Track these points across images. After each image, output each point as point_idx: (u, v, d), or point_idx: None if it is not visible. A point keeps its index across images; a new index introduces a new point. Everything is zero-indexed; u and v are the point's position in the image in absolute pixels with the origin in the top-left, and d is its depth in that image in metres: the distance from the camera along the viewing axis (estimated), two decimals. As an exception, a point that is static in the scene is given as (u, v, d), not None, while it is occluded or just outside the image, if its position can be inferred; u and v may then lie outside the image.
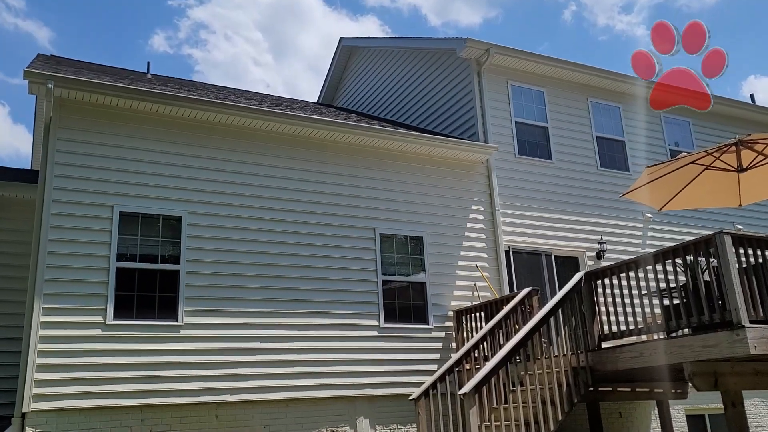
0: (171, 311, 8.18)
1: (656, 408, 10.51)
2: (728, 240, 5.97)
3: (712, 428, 11.54)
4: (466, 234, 10.43)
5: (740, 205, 8.67)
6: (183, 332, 8.17)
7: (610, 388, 8.86)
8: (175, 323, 8.15)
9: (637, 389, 9.38)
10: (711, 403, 11.25)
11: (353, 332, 9.16)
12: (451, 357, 9.46)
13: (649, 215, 12.25)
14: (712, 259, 6.16)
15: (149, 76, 12.11)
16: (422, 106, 13.15)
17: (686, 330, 6.64)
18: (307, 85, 50.25)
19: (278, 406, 8.51)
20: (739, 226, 12.94)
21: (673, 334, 6.81)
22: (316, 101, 17.51)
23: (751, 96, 15.84)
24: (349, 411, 8.90)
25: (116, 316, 7.85)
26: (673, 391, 9.52)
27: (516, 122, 11.68)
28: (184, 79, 13.43)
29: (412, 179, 10.33)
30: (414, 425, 9.10)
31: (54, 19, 39.21)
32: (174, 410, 7.91)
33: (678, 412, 10.96)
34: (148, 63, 12.31)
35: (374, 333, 9.29)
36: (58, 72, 8.35)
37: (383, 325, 9.37)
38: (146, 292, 8.13)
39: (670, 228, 12.43)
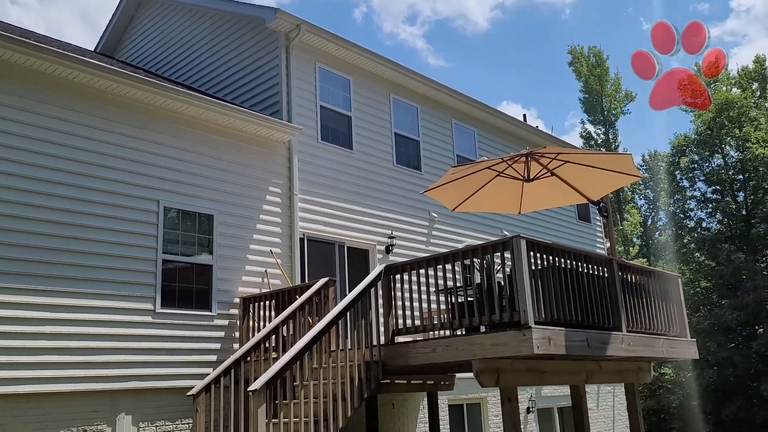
0: None
1: (425, 399, 11.04)
2: (524, 244, 6.29)
3: (468, 415, 12.52)
4: (261, 217, 9.80)
5: (519, 212, 9.40)
6: None
7: (388, 381, 8.98)
8: None
9: (412, 381, 9.70)
10: (470, 393, 12.18)
11: (122, 316, 7.98)
12: (233, 347, 8.80)
13: (435, 215, 12.84)
14: (507, 262, 6.44)
15: None
16: (221, 74, 12.14)
17: (462, 330, 6.87)
18: (78, 37, 44.47)
19: (18, 401, 7.04)
20: (506, 232, 14.24)
21: (458, 332, 7.04)
22: (93, 50, 15.26)
23: (524, 116, 17.63)
24: (109, 406, 7.72)
25: None
26: (442, 383, 10.04)
27: (321, 106, 11.34)
28: None
29: (207, 151, 9.38)
30: (186, 421, 8.24)
31: None
32: None
33: (443, 402, 11.63)
34: None
35: (148, 318, 8.21)
36: None
37: (159, 309, 8.32)
38: None
39: (449, 228, 13.18)
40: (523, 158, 8.15)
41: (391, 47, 56.53)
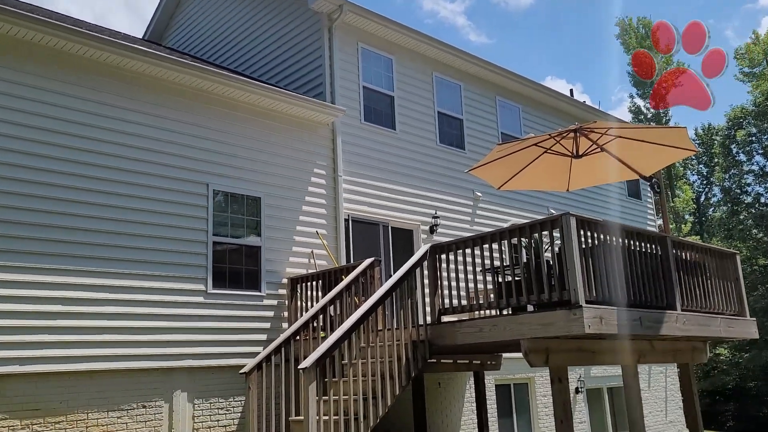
0: (-57, 265, 6.61)
1: (471, 378, 11.04)
2: (573, 222, 6.17)
3: (516, 395, 12.47)
4: (307, 198, 9.89)
5: (568, 190, 9.22)
6: (-42, 291, 6.66)
7: (435, 360, 9.02)
8: (-53, 280, 6.60)
9: (458, 361, 9.70)
10: (517, 373, 12.11)
11: (176, 297, 8.22)
12: (282, 327, 8.97)
13: (479, 194, 12.70)
14: (555, 240, 6.34)
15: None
16: (265, 58, 12.22)
17: (509, 310, 6.82)
18: (124, 26, 45.46)
19: (80, 378, 7.36)
20: (552, 210, 14.00)
21: (505, 311, 6.98)
22: (141, 38, 15.57)
23: (571, 91, 17.19)
24: (165, 384, 8.00)
25: None
26: (488, 362, 10.01)
27: (364, 87, 11.31)
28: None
29: (254, 135, 9.50)
30: (237, 398, 8.47)
31: None
32: (-60, 386, 6.44)
33: (489, 382, 11.60)
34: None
35: (200, 299, 8.43)
36: None
37: (211, 290, 8.53)
38: None
39: (494, 207, 13.03)
40: (572, 134, 7.97)
41: (431, 25, 55.90)
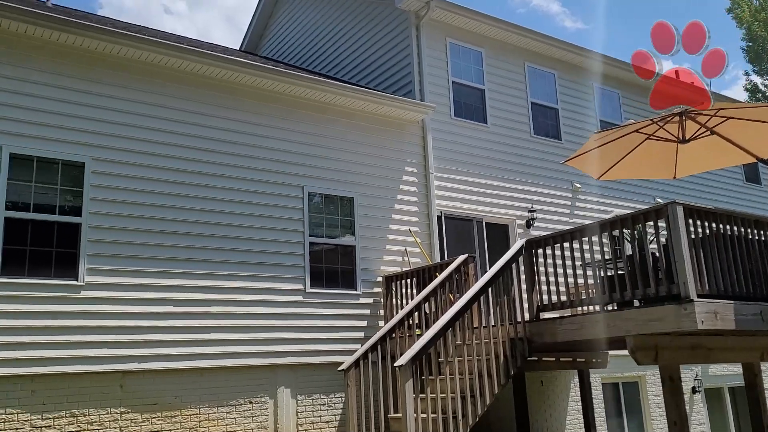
0: (70, 269, 7.21)
1: (576, 377, 10.63)
2: (680, 211, 5.78)
3: (625, 394, 11.88)
4: (399, 197, 9.92)
5: (674, 177, 8.64)
6: (84, 293, 7.23)
7: (536, 358, 8.76)
8: (74, 283, 7.19)
9: (561, 359, 9.37)
10: (625, 371, 11.53)
11: (277, 297, 8.50)
12: (378, 324, 9.05)
13: (578, 185, 12.22)
14: (662, 231, 5.96)
15: (50, 4, 10.60)
16: (354, 60, 12.40)
17: (614, 305, 6.48)
18: (224, 38, 47.81)
19: (192, 375, 7.78)
20: (659, 200, 13.22)
21: (608, 307, 6.65)
22: (238, 49, 16.28)
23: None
24: (270, 380, 8.30)
25: (3, 272, 6.80)
26: (594, 360, 9.59)
27: (453, 82, 11.19)
28: (92, 14, 11.94)
29: (345, 136, 9.66)
30: (338, 394, 8.64)
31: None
32: (71, 380, 7.02)
33: (595, 380, 11.14)
34: (47, -12, 10.74)
35: (299, 298, 8.68)
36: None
37: (309, 289, 8.76)
38: (40, 246, 7.09)
39: (595, 198, 12.49)
40: (677, 117, 7.47)
41: (523, 15, 54.47)
